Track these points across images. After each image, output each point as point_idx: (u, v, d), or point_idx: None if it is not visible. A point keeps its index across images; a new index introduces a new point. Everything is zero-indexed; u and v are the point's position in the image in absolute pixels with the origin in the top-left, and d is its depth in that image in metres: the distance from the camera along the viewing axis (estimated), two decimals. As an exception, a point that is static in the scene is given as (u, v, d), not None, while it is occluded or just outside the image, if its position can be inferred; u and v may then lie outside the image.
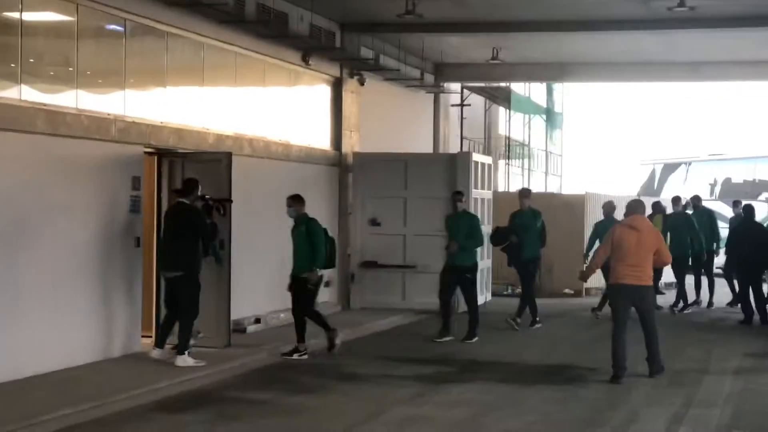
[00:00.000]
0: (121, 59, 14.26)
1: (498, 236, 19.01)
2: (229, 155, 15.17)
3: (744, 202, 22.17)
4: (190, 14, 15.54)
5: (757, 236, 19.23)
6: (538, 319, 18.91)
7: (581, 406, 11.80)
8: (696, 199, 23.12)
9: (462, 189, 18.72)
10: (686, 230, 21.62)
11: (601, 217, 21.08)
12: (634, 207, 13.82)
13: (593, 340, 17.30)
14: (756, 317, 19.43)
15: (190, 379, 12.78)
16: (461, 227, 17.32)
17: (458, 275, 17.11)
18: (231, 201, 14.62)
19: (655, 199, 24.13)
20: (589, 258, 17.28)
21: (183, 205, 13.89)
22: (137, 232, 14.37)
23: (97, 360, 13.39)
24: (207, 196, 14.10)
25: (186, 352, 13.46)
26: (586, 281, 17.41)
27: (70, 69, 13.20)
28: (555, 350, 16.30)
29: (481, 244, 17.92)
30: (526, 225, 18.77)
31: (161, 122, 15.05)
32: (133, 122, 14.29)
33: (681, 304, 21.76)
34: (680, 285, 21.95)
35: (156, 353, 13.75)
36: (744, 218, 20.22)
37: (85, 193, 13.41)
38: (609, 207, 20.73)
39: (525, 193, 19.75)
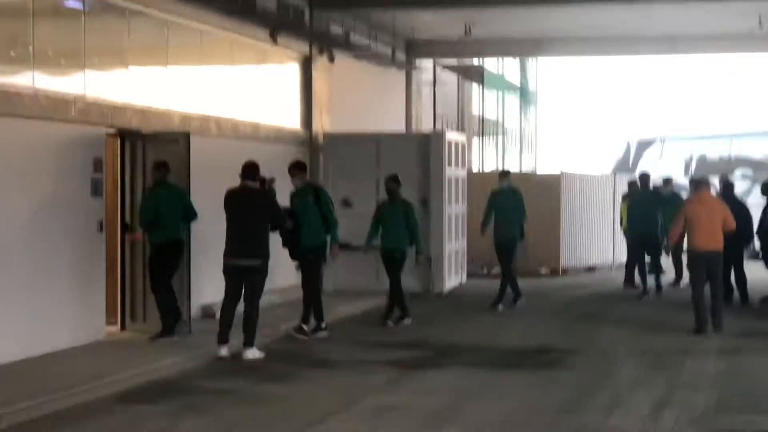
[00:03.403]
0: (80, 38, 13.72)
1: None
2: (187, 135, 14.68)
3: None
4: (153, -10, 15.04)
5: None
6: (521, 297, 18.64)
7: (562, 391, 11.37)
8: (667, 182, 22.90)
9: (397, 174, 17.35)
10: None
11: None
12: (701, 184, 16.14)
13: (570, 322, 17.00)
14: (736, 295, 19.13)
15: (155, 368, 12.29)
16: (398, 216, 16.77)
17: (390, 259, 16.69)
18: (274, 179, 14.32)
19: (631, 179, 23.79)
20: None
21: (253, 189, 13.44)
22: (100, 216, 13.86)
23: (58, 349, 12.86)
24: (265, 177, 13.80)
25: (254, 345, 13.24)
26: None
27: (27, 48, 12.65)
28: (532, 333, 15.87)
29: (419, 231, 17.02)
30: (506, 205, 18.43)
31: (123, 103, 14.54)
32: (94, 103, 13.78)
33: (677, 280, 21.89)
34: (676, 262, 21.91)
35: (225, 351, 13.17)
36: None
37: (45, 176, 12.88)
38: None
39: (503, 173, 19.60)
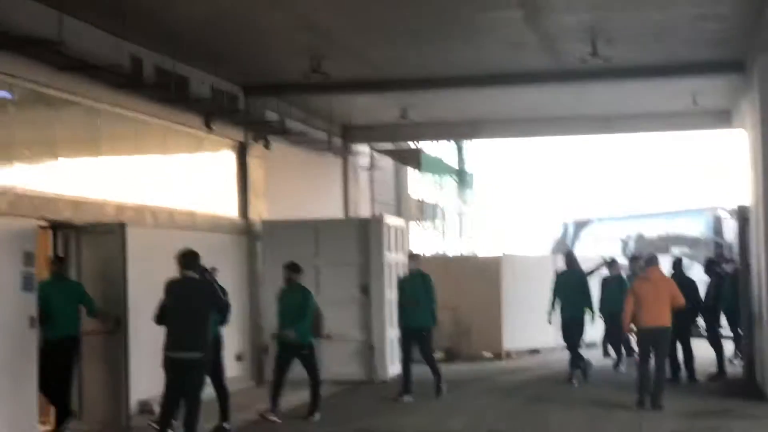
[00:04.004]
0: (9, 128, 13.37)
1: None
2: (122, 226, 14.36)
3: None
4: (84, 79, 14.70)
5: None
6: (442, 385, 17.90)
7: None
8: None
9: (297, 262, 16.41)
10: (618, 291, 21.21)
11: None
12: (649, 262, 16.48)
13: (518, 406, 16.68)
14: (683, 374, 18.97)
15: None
16: (416, 287, 17.13)
17: (295, 353, 15.75)
18: (216, 269, 13.78)
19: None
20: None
21: (195, 280, 13.01)
22: (31, 311, 13.36)
23: (-11, 454, 12.32)
24: (206, 268, 13.34)
25: None
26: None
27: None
28: (481, 418, 15.51)
29: (310, 323, 15.92)
30: (416, 290, 17.78)
31: (55, 194, 14.16)
32: (24, 195, 13.39)
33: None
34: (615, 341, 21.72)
35: None
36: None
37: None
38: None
39: (412, 256, 19.00)
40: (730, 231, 30.88)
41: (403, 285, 18.23)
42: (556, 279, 20.17)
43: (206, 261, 14.16)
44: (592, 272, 21.88)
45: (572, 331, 19.59)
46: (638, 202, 44.53)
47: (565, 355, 20.61)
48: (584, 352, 20.28)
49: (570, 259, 20.50)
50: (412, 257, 18.86)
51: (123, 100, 15.90)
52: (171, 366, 12.80)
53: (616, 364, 21.66)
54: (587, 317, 19.95)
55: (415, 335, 17.72)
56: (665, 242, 34.99)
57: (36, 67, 13.66)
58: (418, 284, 17.82)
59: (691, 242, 33.82)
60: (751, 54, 17.09)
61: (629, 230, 37.73)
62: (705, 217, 33.27)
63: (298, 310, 15.44)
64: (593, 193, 57.97)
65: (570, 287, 19.71)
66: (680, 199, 43.59)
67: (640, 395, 15.76)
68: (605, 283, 22.15)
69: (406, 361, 17.71)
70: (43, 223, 14.08)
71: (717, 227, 32.24)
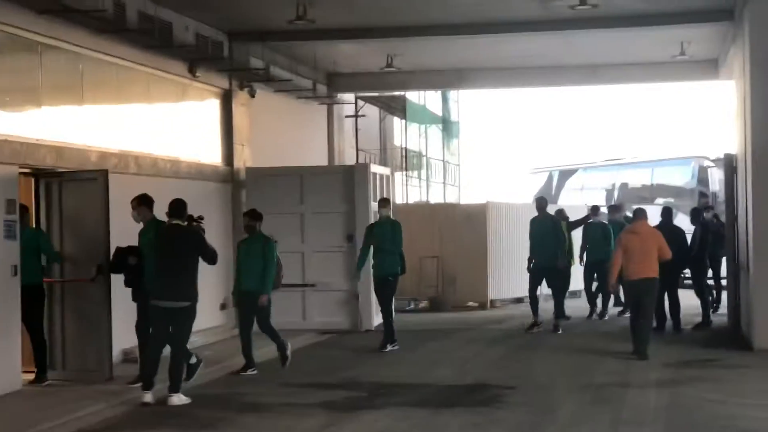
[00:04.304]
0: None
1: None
2: (105, 173, 14.17)
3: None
4: (65, 23, 14.46)
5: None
6: (394, 342, 17.31)
7: (503, 430, 10.96)
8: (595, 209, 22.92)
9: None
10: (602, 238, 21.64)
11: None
12: (636, 215, 16.64)
13: (504, 355, 16.65)
14: (668, 323, 18.94)
15: (76, 418, 11.68)
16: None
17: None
18: (202, 217, 13.43)
19: (559, 207, 23.56)
20: None
21: (182, 227, 12.80)
22: (14, 260, 13.20)
23: (-28, 402, 12.22)
24: (193, 216, 13.03)
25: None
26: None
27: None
28: (467, 368, 15.45)
29: (273, 274, 15.14)
30: (384, 236, 17.27)
31: (37, 140, 13.94)
32: (6, 140, 13.16)
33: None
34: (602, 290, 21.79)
35: (150, 397, 12.48)
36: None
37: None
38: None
39: (382, 201, 18.09)
40: (716, 180, 30.82)
41: (373, 231, 17.58)
42: (530, 226, 20.02)
43: (191, 209, 13.98)
44: (578, 224, 21.88)
45: (553, 279, 19.75)
46: (623, 150, 44.37)
47: (548, 305, 20.57)
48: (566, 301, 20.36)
49: (540, 204, 20.22)
50: (382, 203, 18.01)
51: (105, 46, 15.65)
52: (160, 315, 12.67)
53: (602, 314, 21.69)
54: (566, 263, 20.13)
55: (382, 282, 17.41)
56: (650, 192, 34.89)
57: (16, 10, 13.41)
58: (387, 231, 17.36)
59: (676, 192, 33.71)
60: (741, 1, 16.92)
61: (614, 179, 37.61)
62: (690, 166, 33.13)
63: (259, 261, 14.92)
64: (578, 141, 57.93)
65: (542, 234, 19.59)
66: (665, 148, 43.58)
67: (636, 346, 15.93)
68: (587, 229, 22.13)
69: (384, 312, 17.50)
70: (26, 170, 13.89)
71: (702, 177, 32.12)
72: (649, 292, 16.12)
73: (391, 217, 17.61)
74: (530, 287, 19.87)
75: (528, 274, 19.95)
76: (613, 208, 23.45)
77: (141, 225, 13.59)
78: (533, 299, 19.75)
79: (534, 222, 19.92)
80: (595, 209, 22.73)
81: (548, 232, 19.50)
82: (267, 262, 14.86)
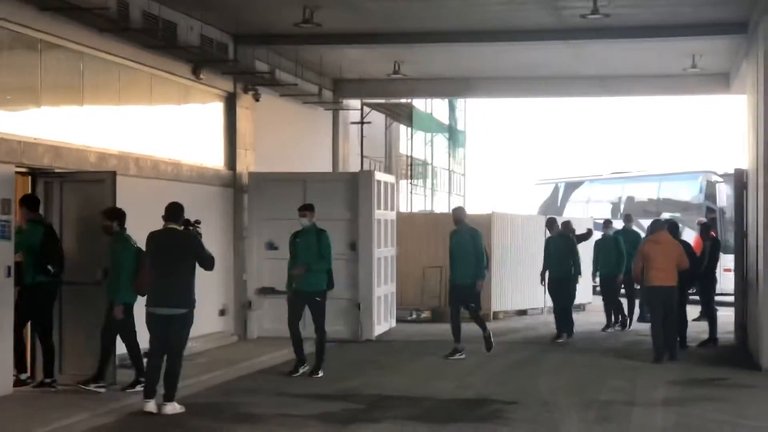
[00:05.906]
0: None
1: None
2: (113, 175, 13.96)
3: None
4: (68, 21, 14.20)
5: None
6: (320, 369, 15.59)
7: (504, 447, 10.67)
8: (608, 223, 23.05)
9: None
10: (614, 251, 21.69)
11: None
12: (657, 225, 17.53)
13: (507, 369, 16.34)
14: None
15: (67, 424, 11.40)
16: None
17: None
18: (199, 221, 13.09)
19: (565, 219, 23.30)
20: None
21: (179, 232, 12.50)
22: (8, 260, 12.91)
23: (-39, 405, 11.94)
24: (190, 220, 12.71)
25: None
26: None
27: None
28: (467, 381, 15.13)
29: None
30: (309, 248, 15.53)
31: (35, 139, 13.67)
32: (2, 138, 12.89)
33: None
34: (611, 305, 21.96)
35: (152, 406, 12.17)
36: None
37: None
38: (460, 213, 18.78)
39: (303, 209, 15.76)
40: (723, 196, 30.56)
41: (295, 241, 15.73)
42: (545, 245, 20.59)
43: (191, 213, 13.70)
44: (581, 238, 21.81)
45: (560, 293, 19.95)
46: (630, 163, 44.16)
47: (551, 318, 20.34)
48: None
49: (550, 225, 20.77)
50: (304, 210, 15.74)
51: (108, 45, 15.40)
52: (155, 322, 12.38)
53: (606, 327, 21.62)
54: (575, 278, 20.16)
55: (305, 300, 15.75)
56: (656, 206, 34.63)
57: (17, 6, 13.17)
58: (312, 242, 15.48)
59: (683, 206, 33.43)
60: (755, 14, 16.65)
61: (621, 192, 37.36)
62: (698, 181, 32.85)
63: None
64: (585, 153, 57.71)
65: (556, 252, 20.07)
66: (673, 161, 43.32)
67: (657, 353, 16.67)
68: (599, 245, 22.07)
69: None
70: (22, 170, 13.63)
71: (709, 192, 31.83)
72: (670, 299, 16.81)
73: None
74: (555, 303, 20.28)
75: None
76: (608, 223, 23.30)
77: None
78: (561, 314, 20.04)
79: (549, 241, 20.54)
80: (607, 223, 22.68)
81: (561, 250, 20.06)
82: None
